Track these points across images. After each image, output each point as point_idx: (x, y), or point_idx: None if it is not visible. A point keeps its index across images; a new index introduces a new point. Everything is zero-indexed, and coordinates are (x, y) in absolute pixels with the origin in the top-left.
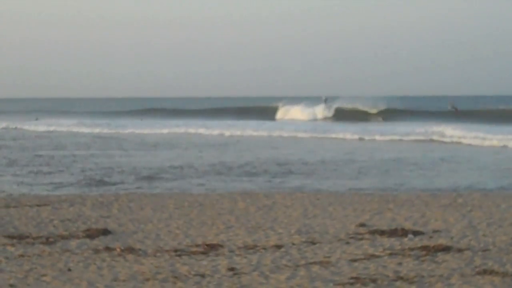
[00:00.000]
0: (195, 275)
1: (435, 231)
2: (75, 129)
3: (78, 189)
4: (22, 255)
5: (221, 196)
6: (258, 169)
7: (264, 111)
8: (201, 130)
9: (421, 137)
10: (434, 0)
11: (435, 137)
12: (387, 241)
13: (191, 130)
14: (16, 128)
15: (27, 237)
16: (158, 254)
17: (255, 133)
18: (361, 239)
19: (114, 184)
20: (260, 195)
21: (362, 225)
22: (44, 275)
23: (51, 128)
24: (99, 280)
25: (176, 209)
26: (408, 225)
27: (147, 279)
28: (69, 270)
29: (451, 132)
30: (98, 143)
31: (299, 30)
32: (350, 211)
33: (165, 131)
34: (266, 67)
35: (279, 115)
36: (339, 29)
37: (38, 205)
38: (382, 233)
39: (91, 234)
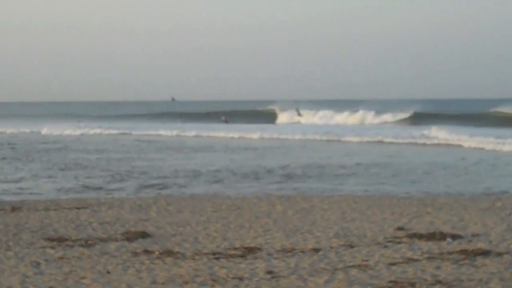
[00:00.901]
0: (233, 278)
1: (474, 235)
2: (105, 132)
3: (133, 191)
4: (61, 258)
5: (259, 199)
6: (294, 172)
7: (264, 114)
8: (222, 134)
9: (447, 142)
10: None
11: (461, 142)
12: (425, 245)
13: (213, 134)
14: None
15: (67, 239)
16: (197, 257)
17: (282, 136)
18: (399, 242)
19: (154, 186)
20: (298, 198)
21: (400, 228)
22: (84, 277)
23: (92, 132)
24: (138, 283)
25: (214, 212)
26: (446, 229)
27: (186, 282)
28: (108, 272)
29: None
30: (139, 146)
31: (317, 32)
32: (388, 215)
33: (190, 133)
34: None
35: (281, 118)
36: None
37: (77, 208)
38: (420, 236)
39: (130, 237)
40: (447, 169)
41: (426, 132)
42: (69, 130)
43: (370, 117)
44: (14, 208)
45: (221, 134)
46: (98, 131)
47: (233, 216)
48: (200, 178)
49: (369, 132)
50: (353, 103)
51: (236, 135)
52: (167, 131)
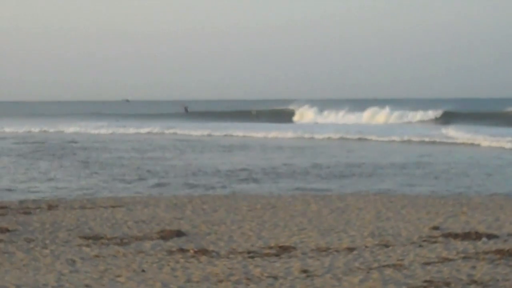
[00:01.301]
0: (268, 277)
1: (509, 234)
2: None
3: (169, 189)
4: (97, 256)
5: (293, 198)
6: (329, 172)
7: (279, 113)
8: (253, 133)
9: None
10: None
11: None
12: (460, 244)
13: (240, 133)
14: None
15: (102, 238)
16: (231, 255)
17: (309, 135)
18: (435, 242)
19: (189, 185)
20: (333, 197)
21: (435, 228)
22: (119, 275)
23: (120, 131)
24: (173, 281)
25: (249, 211)
26: (482, 229)
27: (220, 281)
28: (143, 271)
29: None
30: (172, 145)
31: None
32: (424, 214)
33: (218, 133)
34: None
35: (297, 117)
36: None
37: (112, 206)
38: (455, 236)
39: (165, 235)
40: (480, 168)
41: (451, 131)
42: (103, 128)
43: (395, 117)
44: (51, 206)
45: (252, 133)
46: (131, 130)
47: (268, 215)
48: (234, 177)
49: (397, 131)
50: (372, 102)
51: (264, 134)
52: (198, 130)
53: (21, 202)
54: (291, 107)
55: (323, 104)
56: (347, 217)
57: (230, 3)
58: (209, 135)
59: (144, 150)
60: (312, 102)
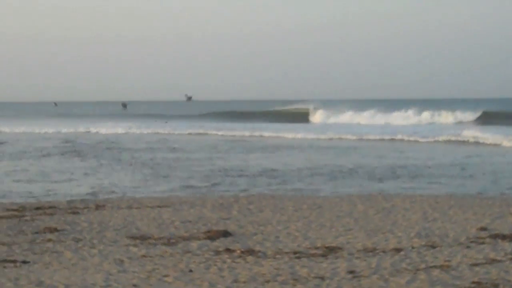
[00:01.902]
0: (314, 277)
1: None
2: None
3: (215, 189)
4: (144, 256)
5: (340, 198)
6: (372, 172)
7: (299, 114)
8: (286, 134)
9: None
10: None
11: None
12: (508, 246)
13: (272, 134)
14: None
15: (149, 238)
16: (278, 256)
17: (339, 136)
18: (482, 243)
19: (235, 185)
20: (379, 197)
21: (483, 229)
22: (166, 275)
23: (177, 132)
24: (220, 281)
25: (295, 211)
26: None
27: (267, 281)
28: (190, 271)
29: None
30: (218, 146)
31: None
32: (471, 215)
33: (257, 133)
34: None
35: (315, 118)
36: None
37: (159, 207)
38: (503, 237)
39: (211, 235)
40: None
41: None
42: (153, 129)
43: (428, 117)
44: (98, 206)
45: (289, 135)
46: (184, 131)
47: (314, 215)
48: (280, 177)
49: (434, 132)
50: (397, 103)
51: (299, 135)
52: (241, 131)
53: (69, 202)
54: (304, 106)
55: (341, 105)
56: (393, 217)
57: (244, 6)
58: (241, 136)
59: (185, 151)
60: (325, 103)
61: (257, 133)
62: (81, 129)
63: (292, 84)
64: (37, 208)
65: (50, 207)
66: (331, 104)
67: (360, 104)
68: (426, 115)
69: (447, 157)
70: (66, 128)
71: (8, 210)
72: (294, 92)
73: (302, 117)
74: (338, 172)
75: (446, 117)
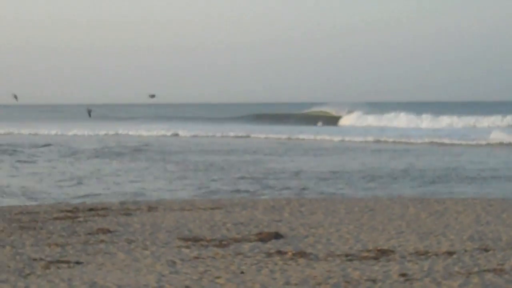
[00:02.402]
0: (366, 280)
1: None
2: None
3: (265, 192)
4: (196, 257)
5: (391, 201)
6: (422, 175)
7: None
8: (328, 137)
9: None
10: None
11: None
12: None
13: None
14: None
15: (201, 239)
16: (329, 258)
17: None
18: None
19: (286, 188)
20: (431, 200)
21: None
22: (218, 277)
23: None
24: (272, 283)
25: (347, 214)
26: None
27: (319, 284)
28: (242, 273)
29: None
30: (266, 148)
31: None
32: None
33: (286, 136)
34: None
35: (346, 120)
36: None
37: (211, 208)
38: None
39: (263, 237)
40: None
41: None
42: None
43: (469, 121)
44: (151, 208)
45: (330, 137)
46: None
47: (365, 218)
48: (330, 180)
49: (481, 135)
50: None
51: (342, 138)
52: (282, 133)
53: (121, 203)
54: (329, 109)
55: (388, 106)
56: (445, 220)
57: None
58: (288, 139)
59: (234, 153)
60: (344, 105)
61: (301, 136)
62: (120, 131)
63: (311, 87)
64: (90, 210)
65: (103, 209)
66: (353, 106)
67: (383, 107)
68: (468, 119)
69: (498, 160)
70: (105, 130)
71: (61, 211)
72: (311, 95)
73: (331, 119)
74: (389, 175)
75: (486, 121)
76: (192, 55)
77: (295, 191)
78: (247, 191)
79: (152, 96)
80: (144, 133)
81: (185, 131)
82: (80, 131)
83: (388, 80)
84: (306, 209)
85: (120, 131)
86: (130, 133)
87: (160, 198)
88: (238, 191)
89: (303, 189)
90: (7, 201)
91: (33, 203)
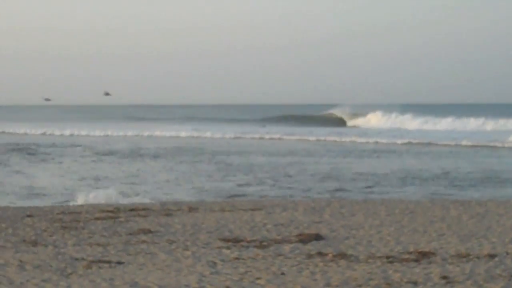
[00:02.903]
0: (407, 282)
1: None
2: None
3: (307, 193)
4: (237, 258)
5: (432, 203)
6: (466, 178)
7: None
8: (355, 138)
9: None
10: None
11: None
12: None
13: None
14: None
15: (242, 240)
16: (370, 260)
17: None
18: None
19: (327, 189)
20: (472, 203)
21: None
22: (259, 278)
23: (248, 136)
24: (312, 285)
25: (387, 215)
26: None
27: (360, 285)
28: (283, 274)
29: None
30: (298, 151)
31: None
32: None
33: (312, 138)
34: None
35: (350, 122)
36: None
37: (252, 209)
38: None
39: (303, 239)
40: None
41: None
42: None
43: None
44: (191, 209)
45: (360, 139)
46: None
47: (406, 220)
48: (371, 181)
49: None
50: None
51: (374, 139)
52: (312, 135)
53: (162, 204)
54: (341, 110)
55: (410, 108)
56: (487, 223)
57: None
58: (317, 140)
59: (272, 154)
60: (356, 107)
61: (331, 138)
62: (157, 132)
63: (325, 89)
64: (131, 210)
65: (144, 209)
66: (365, 108)
67: (403, 108)
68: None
69: None
70: (136, 131)
71: (103, 211)
72: (324, 97)
73: (339, 121)
74: (429, 177)
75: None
76: (201, 59)
77: (335, 192)
78: (287, 192)
79: (107, 94)
80: (174, 133)
81: (217, 132)
82: (110, 132)
83: (407, 82)
84: (347, 210)
85: (156, 133)
86: (167, 134)
87: (196, 198)
88: (279, 191)
89: (343, 190)
90: (49, 201)
91: (75, 203)
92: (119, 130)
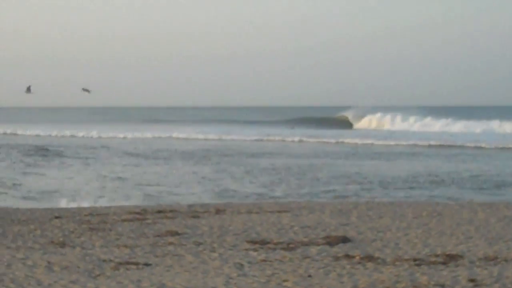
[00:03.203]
0: (434, 285)
1: None
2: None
3: (333, 196)
4: (264, 260)
5: (460, 206)
6: (493, 180)
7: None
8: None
9: None
10: None
11: None
12: None
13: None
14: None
15: (269, 242)
16: (397, 263)
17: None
18: None
19: (352, 191)
20: (500, 205)
21: None
22: (285, 280)
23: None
24: (339, 287)
25: (415, 218)
26: None
27: None
28: (310, 276)
29: None
30: (327, 153)
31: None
32: None
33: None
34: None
35: (358, 124)
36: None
37: (278, 212)
38: None
39: (330, 241)
40: None
41: None
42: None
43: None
44: (218, 211)
45: (379, 142)
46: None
47: (434, 223)
48: (396, 184)
49: None
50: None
51: (393, 141)
52: (329, 138)
53: (189, 206)
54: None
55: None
56: None
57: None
58: (337, 143)
59: (297, 156)
60: (368, 109)
61: (352, 141)
62: (183, 134)
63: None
64: (159, 212)
65: (171, 211)
66: (379, 109)
67: (407, 111)
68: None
69: None
70: (162, 132)
71: (130, 213)
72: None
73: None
74: (457, 179)
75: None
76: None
77: (362, 194)
78: (314, 194)
79: (28, 89)
80: (200, 136)
81: (242, 134)
82: (133, 134)
83: (422, 84)
84: (374, 213)
85: (181, 135)
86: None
87: (225, 201)
88: (305, 194)
89: (370, 192)
90: (77, 203)
91: (103, 204)
92: (145, 131)
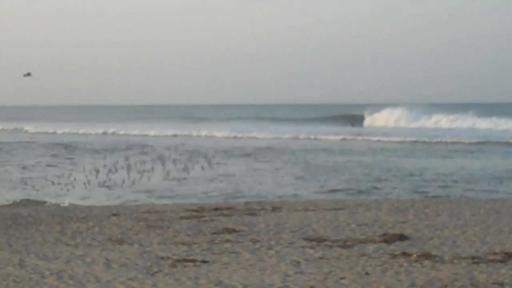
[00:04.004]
0: (493, 283)
1: None
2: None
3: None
4: (321, 258)
5: None
6: None
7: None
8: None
9: None
10: None
11: None
12: None
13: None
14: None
15: (326, 240)
16: (455, 261)
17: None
18: None
19: (410, 189)
20: None
21: None
22: (343, 278)
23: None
24: (397, 285)
25: (472, 216)
26: None
27: (445, 286)
28: (367, 274)
29: None
30: (375, 150)
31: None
32: None
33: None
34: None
35: (368, 121)
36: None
37: (335, 209)
38: None
39: (387, 239)
40: None
41: None
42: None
43: None
44: (275, 208)
45: (410, 139)
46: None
47: (492, 220)
48: (453, 181)
49: None
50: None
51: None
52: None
53: (246, 203)
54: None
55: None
56: None
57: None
58: (378, 141)
59: (350, 154)
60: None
61: (392, 139)
62: (226, 133)
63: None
64: (216, 209)
65: (228, 208)
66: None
67: (421, 108)
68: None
69: None
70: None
71: (187, 210)
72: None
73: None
74: (508, 176)
75: None
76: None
77: (419, 192)
78: (371, 192)
79: (28, 74)
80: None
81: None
82: (179, 131)
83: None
84: (431, 210)
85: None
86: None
87: (280, 198)
88: (362, 191)
89: (428, 190)
90: (135, 200)
91: (161, 202)
92: (190, 129)
